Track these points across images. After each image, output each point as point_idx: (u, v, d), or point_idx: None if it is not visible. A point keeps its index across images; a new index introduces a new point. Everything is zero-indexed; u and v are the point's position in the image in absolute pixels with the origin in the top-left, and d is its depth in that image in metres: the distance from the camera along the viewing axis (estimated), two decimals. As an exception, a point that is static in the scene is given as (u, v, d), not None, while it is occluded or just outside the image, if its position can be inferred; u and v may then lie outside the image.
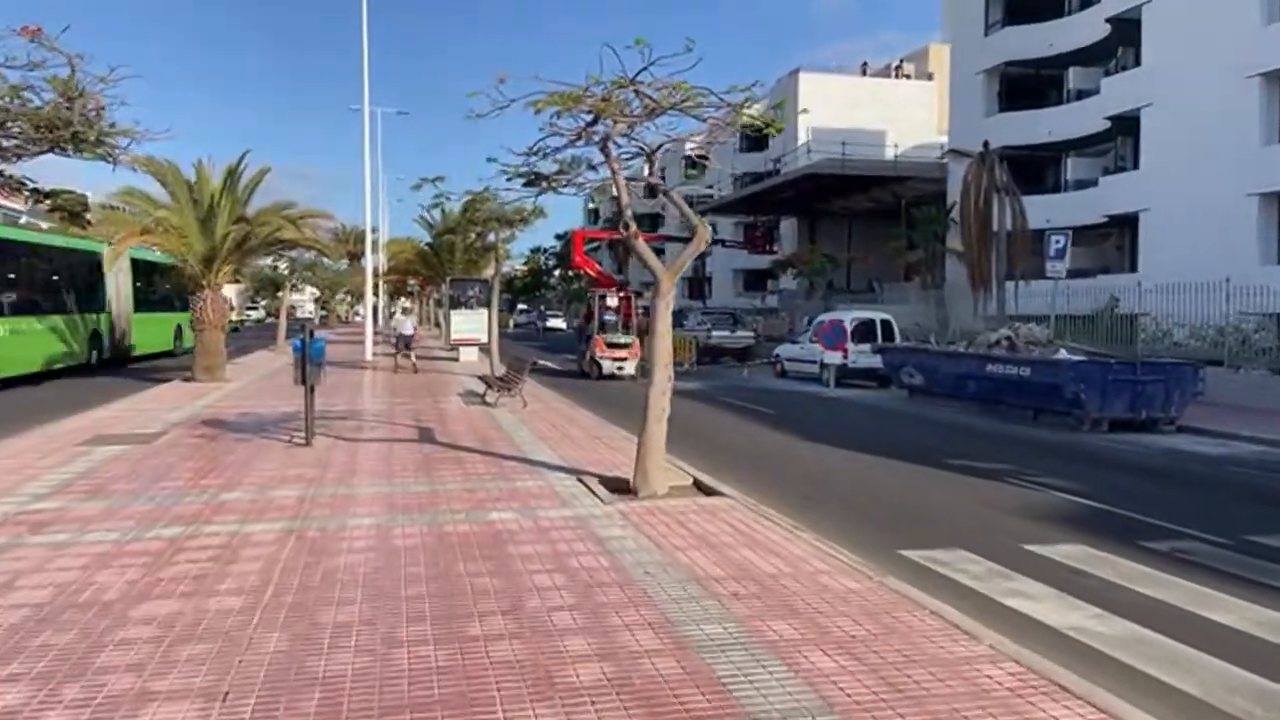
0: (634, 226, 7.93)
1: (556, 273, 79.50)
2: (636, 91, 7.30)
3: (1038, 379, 15.23)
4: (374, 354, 27.82)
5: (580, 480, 8.92)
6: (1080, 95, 33.67)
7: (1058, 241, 19.07)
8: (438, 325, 57.52)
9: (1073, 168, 34.99)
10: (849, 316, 22.47)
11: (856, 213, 45.79)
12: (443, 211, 37.04)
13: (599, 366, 22.94)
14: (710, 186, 65.67)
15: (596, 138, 7.80)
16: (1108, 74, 31.16)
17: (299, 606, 5.13)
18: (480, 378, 17.32)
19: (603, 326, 23.75)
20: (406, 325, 25.57)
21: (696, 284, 70.67)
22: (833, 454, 12.04)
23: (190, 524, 7.06)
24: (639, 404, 8.18)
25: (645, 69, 7.10)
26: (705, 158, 9.01)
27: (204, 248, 18.99)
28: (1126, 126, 29.70)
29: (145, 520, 7.17)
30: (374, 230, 30.22)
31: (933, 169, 40.02)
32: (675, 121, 7.91)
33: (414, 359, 24.02)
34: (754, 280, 63.05)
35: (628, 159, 8.54)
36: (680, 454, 9.85)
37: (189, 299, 19.67)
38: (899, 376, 19.59)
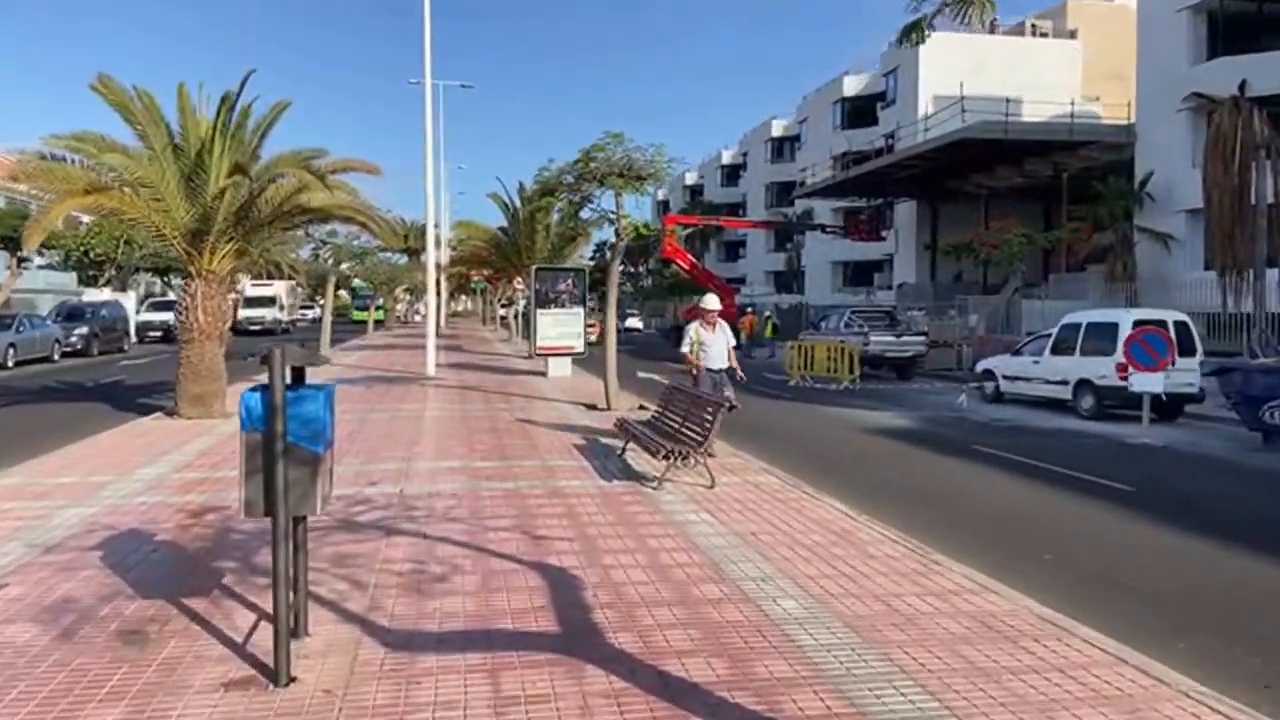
0: None
1: (622, 268, 73.00)
2: None
3: None
4: (437, 366, 21.38)
5: None
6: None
7: None
8: (503, 325, 51.04)
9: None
10: (1129, 319, 15.18)
11: (996, 192, 38.07)
12: (519, 196, 30.69)
13: None
14: (804, 169, 58.39)
15: None
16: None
17: None
18: (618, 425, 10.49)
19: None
20: (719, 348, 10.91)
21: (787, 278, 63.34)
22: None
23: None
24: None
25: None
26: None
27: (189, 216, 12.59)
28: None
29: None
30: (435, 226, 23.98)
31: (1115, 133, 32.27)
32: None
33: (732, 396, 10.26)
34: (857, 274, 55.40)
35: None
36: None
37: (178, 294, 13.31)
38: (1257, 413, 12.34)
